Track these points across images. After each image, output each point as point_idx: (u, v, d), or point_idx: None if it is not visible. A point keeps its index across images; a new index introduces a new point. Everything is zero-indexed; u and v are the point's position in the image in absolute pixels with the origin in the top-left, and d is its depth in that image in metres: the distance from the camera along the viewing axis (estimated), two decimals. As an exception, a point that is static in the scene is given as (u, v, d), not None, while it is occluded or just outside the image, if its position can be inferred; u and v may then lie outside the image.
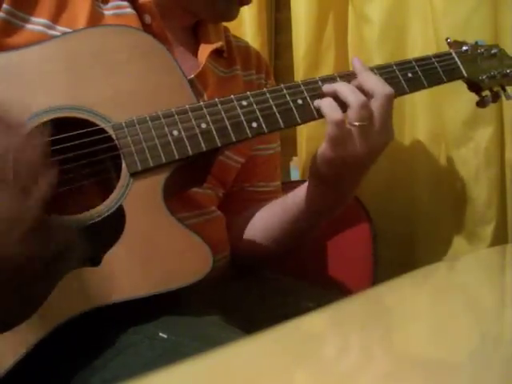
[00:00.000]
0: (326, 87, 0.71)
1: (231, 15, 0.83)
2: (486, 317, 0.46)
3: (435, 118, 1.05)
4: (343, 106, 0.69)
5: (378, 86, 0.69)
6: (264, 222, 0.87)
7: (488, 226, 1.00)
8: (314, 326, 0.43)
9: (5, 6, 0.69)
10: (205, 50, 0.81)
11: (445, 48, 0.94)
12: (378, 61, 1.04)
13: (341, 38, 1.13)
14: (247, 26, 1.20)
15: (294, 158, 1.26)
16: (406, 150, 1.08)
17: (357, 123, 0.67)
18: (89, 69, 0.64)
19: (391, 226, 1.09)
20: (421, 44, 1.05)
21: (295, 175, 1.26)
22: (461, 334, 0.40)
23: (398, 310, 0.50)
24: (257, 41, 1.19)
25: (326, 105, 0.68)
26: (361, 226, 1.04)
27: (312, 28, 1.12)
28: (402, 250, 1.10)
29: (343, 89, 0.69)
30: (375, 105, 0.68)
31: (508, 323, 0.44)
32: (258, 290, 0.84)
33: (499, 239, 1.01)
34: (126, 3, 0.76)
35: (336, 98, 0.69)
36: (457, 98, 0.96)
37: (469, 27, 0.96)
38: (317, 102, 0.70)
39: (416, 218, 1.08)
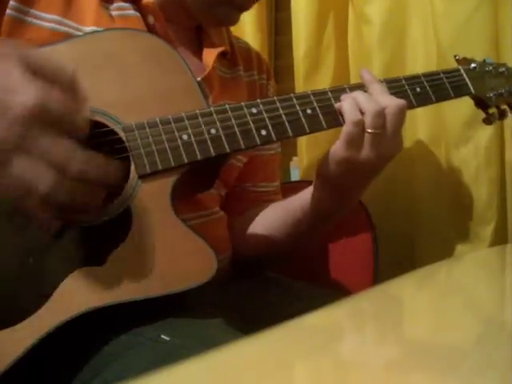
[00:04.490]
0: (345, 96, 0.72)
1: (231, 21, 0.84)
2: (485, 316, 0.46)
3: (435, 119, 1.05)
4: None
5: (391, 99, 0.71)
6: (267, 224, 0.87)
7: (488, 226, 1.00)
8: (316, 326, 0.43)
9: (12, 2, 0.68)
10: (210, 53, 0.81)
11: (444, 48, 0.94)
12: (378, 61, 1.04)
13: (341, 38, 1.13)
14: (247, 25, 1.20)
15: (294, 158, 1.26)
16: (407, 150, 1.08)
17: (370, 130, 0.68)
18: (100, 71, 0.64)
19: (391, 225, 1.09)
20: (421, 44, 1.05)
21: (295, 175, 1.26)
22: (461, 333, 0.40)
23: (397, 309, 0.50)
24: (257, 41, 1.20)
25: (347, 105, 0.70)
26: (361, 226, 1.04)
27: (312, 28, 1.12)
28: (402, 249, 1.10)
29: (360, 97, 0.70)
30: (389, 116, 0.70)
31: (508, 322, 0.44)
32: (259, 290, 0.84)
33: (499, 239, 1.01)
34: (128, 5, 0.76)
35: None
36: (457, 98, 0.96)
37: (469, 27, 0.96)
38: (338, 104, 0.71)
39: (416, 218, 1.08)
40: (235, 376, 0.30)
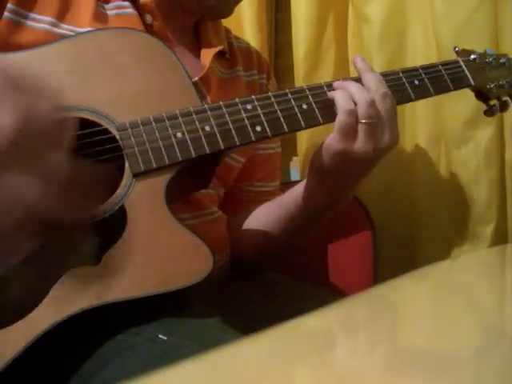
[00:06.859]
0: (337, 84, 0.71)
1: (226, 11, 0.83)
2: (485, 316, 0.46)
3: (435, 119, 1.05)
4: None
5: (375, 85, 0.70)
6: (261, 220, 0.86)
7: (488, 226, 1.00)
8: (316, 326, 0.43)
9: (9, 5, 0.69)
10: (208, 53, 0.81)
11: (444, 48, 0.94)
12: (378, 61, 1.04)
13: (341, 38, 1.13)
14: (247, 26, 1.20)
15: (294, 158, 1.26)
16: (407, 150, 1.08)
17: (364, 120, 0.68)
18: (94, 70, 0.65)
19: (391, 226, 1.09)
20: (421, 44, 1.05)
21: (295, 175, 1.26)
22: (461, 333, 0.40)
23: (398, 309, 0.50)
24: (257, 41, 1.19)
25: (340, 95, 0.69)
26: (361, 226, 1.04)
27: (312, 28, 1.12)
28: (402, 249, 1.10)
29: (352, 86, 0.70)
30: (380, 105, 0.69)
31: (508, 322, 0.44)
32: (259, 290, 0.83)
33: (499, 239, 1.01)
34: (127, 3, 0.76)
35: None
36: (457, 98, 0.95)
37: (469, 27, 0.96)
38: (331, 94, 0.71)
39: (416, 218, 1.08)
40: (233, 376, 0.30)
